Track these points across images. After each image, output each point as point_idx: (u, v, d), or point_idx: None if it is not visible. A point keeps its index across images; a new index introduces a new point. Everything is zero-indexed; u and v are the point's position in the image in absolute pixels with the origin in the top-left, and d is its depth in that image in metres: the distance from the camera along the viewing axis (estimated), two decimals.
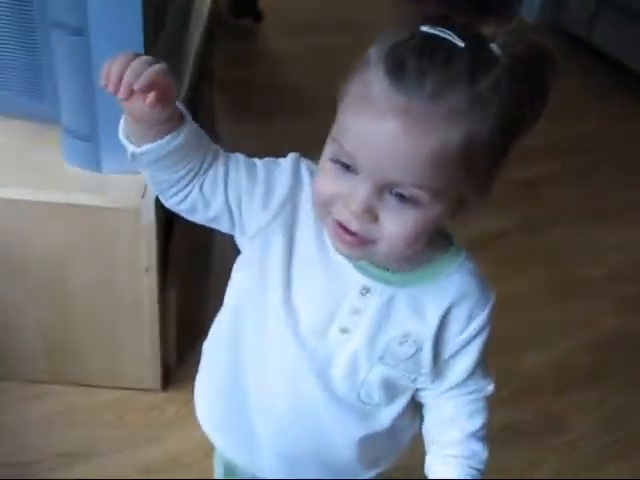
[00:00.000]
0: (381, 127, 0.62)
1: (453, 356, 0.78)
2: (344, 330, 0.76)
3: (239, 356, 0.83)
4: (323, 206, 0.70)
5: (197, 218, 0.81)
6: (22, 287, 1.35)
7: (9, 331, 1.40)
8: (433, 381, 0.79)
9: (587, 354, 1.79)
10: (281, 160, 0.79)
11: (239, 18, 2.90)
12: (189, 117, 0.75)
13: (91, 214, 1.24)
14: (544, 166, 2.42)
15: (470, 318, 0.76)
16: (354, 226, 0.67)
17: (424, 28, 0.63)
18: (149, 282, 1.31)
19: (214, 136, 2.28)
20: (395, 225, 0.66)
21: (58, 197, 1.24)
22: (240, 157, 0.79)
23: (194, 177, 0.77)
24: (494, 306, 0.77)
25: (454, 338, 0.77)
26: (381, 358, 0.76)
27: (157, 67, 0.67)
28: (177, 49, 1.60)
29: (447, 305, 0.75)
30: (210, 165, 0.77)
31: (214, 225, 0.82)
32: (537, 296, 1.95)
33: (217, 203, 0.78)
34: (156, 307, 1.34)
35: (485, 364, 0.81)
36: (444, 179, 0.64)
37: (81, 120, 1.19)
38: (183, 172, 0.76)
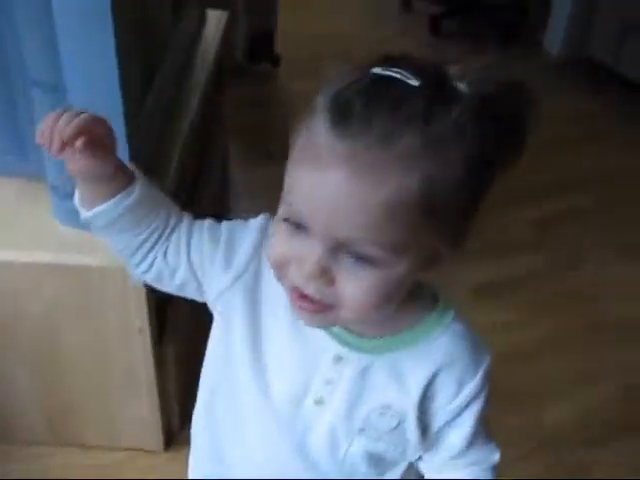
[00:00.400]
0: (326, 179, 0.56)
1: (445, 427, 0.71)
2: (319, 401, 0.71)
3: (219, 425, 0.78)
4: (278, 270, 0.65)
5: (165, 287, 0.78)
6: (15, 349, 1.32)
7: (6, 394, 1.38)
8: (427, 453, 0.73)
9: (618, 404, 1.69)
10: (251, 220, 0.75)
11: (256, 63, 2.90)
12: (142, 178, 0.72)
13: (80, 274, 1.21)
14: (567, 201, 2.34)
15: (460, 385, 0.69)
16: (310, 290, 0.61)
17: (376, 69, 0.58)
18: (143, 343, 1.26)
19: (225, 182, 2.26)
20: (353, 288, 0.60)
21: (47, 257, 1.21)
22: (207, 221, 0.76)
23: (156, 242, 0.74)
24: (489, 369, 0.70)
25: (443, 407, 0.70)
26: (362, 430, 0.70)
27: (85, 115, 0.66)
28: (176, 97, 1.58)
29: (431, 372, 0.69)
30: (173, 230, 0.74)
31: (184, 294, 0.78)
32: (562, 342, 1.86)
33: (182, 270, 0.75)
34: (152, 368, 1.30)
35: (487, 431, 0.74)
36: (404, 233, 0.58)
37: (66, 178, 1.17)
38: (143, 236, 0.73)
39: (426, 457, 0.74)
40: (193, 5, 1.90)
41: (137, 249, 0.74)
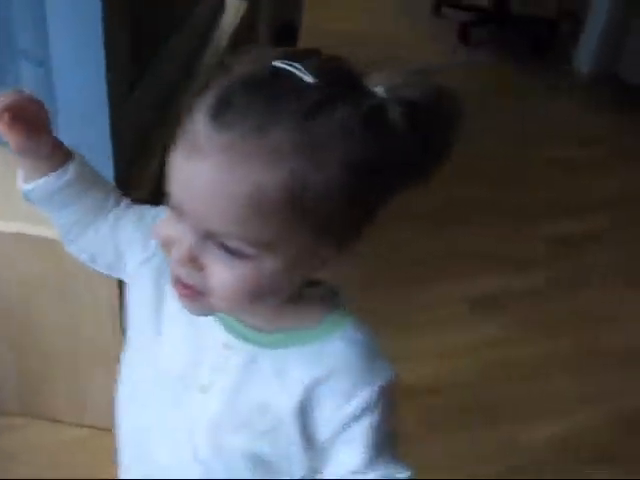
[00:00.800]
0: (197, 167, 0.56)
1: (333, 438, 0.67)
2: (204, 388, 0.69)
3: (128, 400, 0.78)
4: (163, 251, 0.65)
5: (98, 267, 0.79)
6: None
7: None
8: (323, 468, 0.69)
9: (607, 431, 1.65)
10: None
11: None
12: (80, 158, 0.74)
13: (48, 246, 1.20)
14: (587, 220, 2.31)
15: (349, 396, 0.65)
16: (183, 275, 0.61)
17: (275, 62, 0.57)
18: (112, 318, 1.26)
19: None
20: (219, 277, 0.59)
21: (27, 229, 1.21)
22: (145, 206, 0.78)
23: (92, 221, 0.76)
24: (387, 387, 0.66)
25: (329, 416, 0.66)
26: (243, 426, 0.68)
27: (16, 94, 0.68)
28: (182, 81, 1.58)
29: (316, 376, 0.66)
30: (109, 211, 0.76)
31: (112, 273, 0.79)
32: (562, 362, 1.83)
33: (110, 248, 0.76)
34: (121, 346, 1.29)
35: (394, 452, 0.68)
36: (272, 230, 0.57)
37: None
38: (81, 213, 0.75)
39: (324, 473, 0.70)
40: None
41: (72, 225, 0.76)
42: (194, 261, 0.60)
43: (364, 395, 0.65)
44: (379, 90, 0.58)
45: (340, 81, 0.57)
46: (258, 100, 0.55)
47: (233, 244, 0.58)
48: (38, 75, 1.10)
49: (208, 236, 0.58)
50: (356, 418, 0.66)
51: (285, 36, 2.86)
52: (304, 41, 2.92)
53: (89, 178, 0.75)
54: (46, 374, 1.40)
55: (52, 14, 1.03)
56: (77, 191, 0.74)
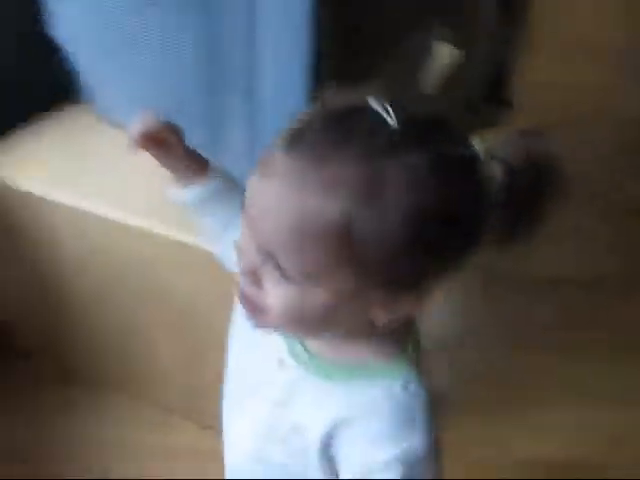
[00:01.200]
0: (263, 186, 0.59)
1: None
2: (255, 395, 0.74)
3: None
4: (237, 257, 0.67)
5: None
6: (161, 322, 1.42)
7: (149, 357, 1.49)
8: None
9: None
10: None
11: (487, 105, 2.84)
12: (221, 172, 0.81)
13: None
14: None
15: (370, 446, 0.65)
16: (245, 287, 0.64)
17: (369, 99, 0.57)
18: None
19: None
20: (271, 295, 0.62)
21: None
22: None
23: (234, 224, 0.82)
24: (411, 454, 0.65)
25: (346, 461, 0.68)
26: (282, 441, 0.71)
27: (148, 120, 0.76)
28: None
29: (346, 415, 0.66)
30: None
31: None
32: None
33: None
34: None
35: None
36: (318, 262, 0.58)
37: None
38: (224, 219, 0.82)
39: None
40: (427, 32, 1.91)
41: (220, 228, 0.82)
42: (254, 276, 0.62)
43: (384, 452, 0.65)
44: (476, 144, 0.58)
45: (426, 129, 0.57)
46: (332, 132, 0.57)
47: (286, 267, 0.59)
48: (246, 107, 1.16)
49: (268, 255, 0.60)
50: (377, 471, 0.65)
51: (495, 85, 2.81)
52: (516, 92, 2.84)
53: (232, 186, 0.81)
54: (209, 380, 1.46)
55: (262, 46, 1.09)
56: (221, 199, 0.80)
